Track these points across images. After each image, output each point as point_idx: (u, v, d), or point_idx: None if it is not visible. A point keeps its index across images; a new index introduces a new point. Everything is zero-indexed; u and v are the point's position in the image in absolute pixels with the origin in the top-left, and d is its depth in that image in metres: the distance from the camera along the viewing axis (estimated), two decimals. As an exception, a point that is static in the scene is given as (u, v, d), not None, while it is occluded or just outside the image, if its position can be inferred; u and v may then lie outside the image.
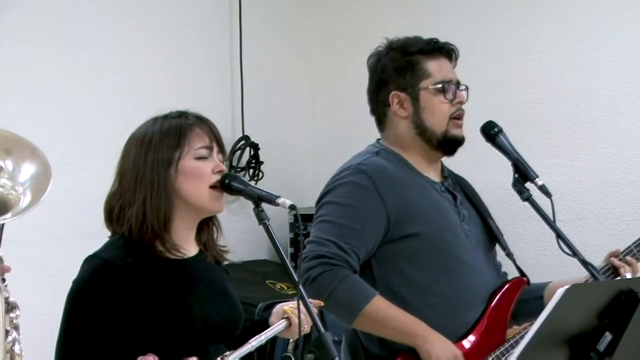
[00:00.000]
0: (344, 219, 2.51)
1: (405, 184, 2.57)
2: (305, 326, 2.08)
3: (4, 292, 1.66)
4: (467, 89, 2.67)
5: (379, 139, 2.72)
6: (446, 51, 2.66)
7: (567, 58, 3.93)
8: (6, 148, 1.71)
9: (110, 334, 2.02)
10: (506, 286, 2.62)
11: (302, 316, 2.02)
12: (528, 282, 2.68)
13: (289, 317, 2.16)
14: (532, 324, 1.91)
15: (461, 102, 2.63)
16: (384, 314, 2.46)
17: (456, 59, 2.69)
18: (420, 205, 2.56)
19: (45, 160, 1.75)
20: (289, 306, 2.20)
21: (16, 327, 1.68)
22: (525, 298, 2.65)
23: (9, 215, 1.66)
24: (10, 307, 1.67)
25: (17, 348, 1.67)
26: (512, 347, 2.52)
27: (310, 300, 2.11)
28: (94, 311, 2.01)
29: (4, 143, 1.72)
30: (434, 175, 2.67)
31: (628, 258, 2.61)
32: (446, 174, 2.74)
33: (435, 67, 2.62)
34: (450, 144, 2.62)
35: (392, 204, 2.52)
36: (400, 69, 2.63)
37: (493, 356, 2.53)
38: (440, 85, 2.60)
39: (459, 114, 2.63)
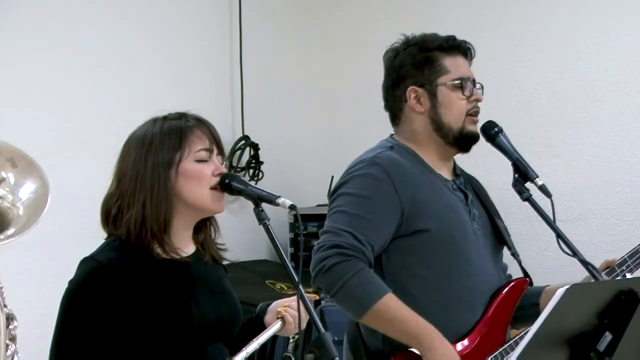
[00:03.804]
0: (359, 210, 2.50)
1: (418, 180, 2.57)
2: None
3: (4, 308, 1.64)
4: (482, 87, 2.68)
5: (392, 135, 2.72)
6: (463, 49, 2.67)
7: (567, 58, 3.93)
8: (10, 157, 1.69)
9: (105, 336, 2.01)
10: (508, 287, 2.62)
11: (295, 312, 2.01)
12: (531, 283, 2.68)
13: (283, 316, 2.15)
14: (531, 325, 1.91)
15: (478, 100, 2.64)
16: (394, 314, 2.44)
17: (472, 58, 2.69)
18: (431, 202, 2.56)
19: (42, 175, 1.72)
20: (283, 305, 2.20)
21: (13, 339, 1.67)
22: (522, 305, 2.65)
23: (7, 233, 1.63)
24: (8, 319, 1.66)
25: None
26: (512, 348, 2.52)
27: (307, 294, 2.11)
28: (88, 313, 2.01)
29: (8, 153, 1.70)
30: (447, 173, 2.68)
31: (605, 277, 2.61)
32: (458, 172, 2.74)
33: (453, 64, 2.63)
34: (466, 140, 2.62)
35: (406, 198, 2.51)
36: (418, 64, 2.63)
37: (492, 356, 2.52)
38: (458, 82, 2.60)
39: (475, 111, 2.63)
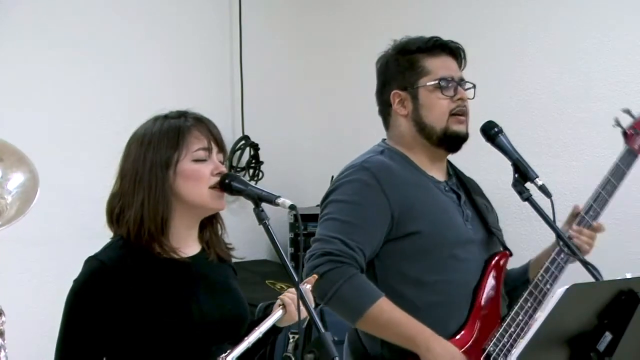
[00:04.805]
0: (349, 216, 2.51)
1: (408, 183, 2.57)
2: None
3: None
4: (474, 87, 2.67)
5: (384, 139, 2.72)
6: (449, 49, 2.65)
7: (567, 58, 3.93)
8: None
9: (109, 334, 2.02)
10: (490, 265, 2.59)
11: (293, 295, 2.03)
12: (510, 254, 2.67)
13: (284, 303, 2.15)
14: (532, 324, 1.91)
15: (462, 99, 2.62)
16: (388, 318, 2.45)
17: (463, 57, 2.68)
18: (423, 203, 2.56)
19: (32, 168, 1.72)
20: (284, 294, 2.20)
21: (1, 333, 1.66)
22: (514, 285, 2.66)
23: None
24: None
25: (2, 355, 1.66)
26: (505, 331, 2.50)
27: (305, 281, 2.11)
28: (92, 312, 2.02)
29: None
30: (439, 175, 2.67)
31: (576, 227, 2.57)
32: (451, 172, 2.74)
33: (435, 65, 2.62)
34: (451, 140, 2.61)
35: (395, 202, 2.52)
36: (400, 67, 2.64)
37: (490, 346, 2.51)
38: (436, 82, 2.60)
39: (460, 111, 2.62)
